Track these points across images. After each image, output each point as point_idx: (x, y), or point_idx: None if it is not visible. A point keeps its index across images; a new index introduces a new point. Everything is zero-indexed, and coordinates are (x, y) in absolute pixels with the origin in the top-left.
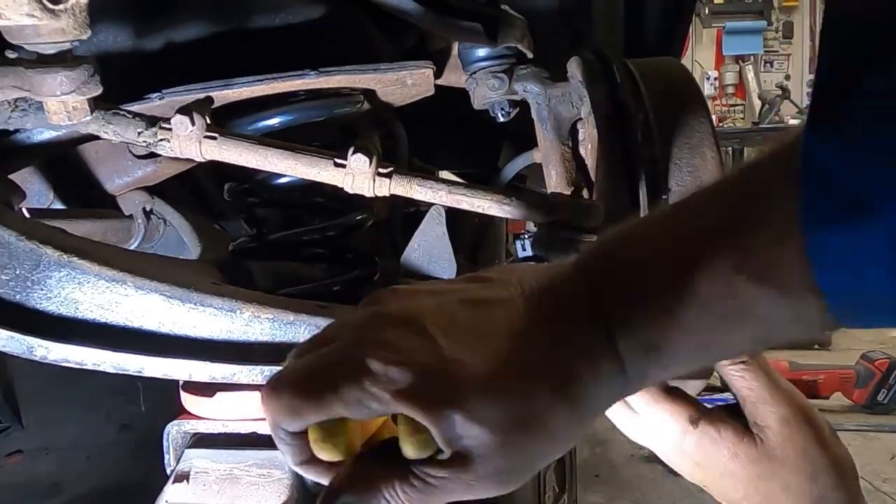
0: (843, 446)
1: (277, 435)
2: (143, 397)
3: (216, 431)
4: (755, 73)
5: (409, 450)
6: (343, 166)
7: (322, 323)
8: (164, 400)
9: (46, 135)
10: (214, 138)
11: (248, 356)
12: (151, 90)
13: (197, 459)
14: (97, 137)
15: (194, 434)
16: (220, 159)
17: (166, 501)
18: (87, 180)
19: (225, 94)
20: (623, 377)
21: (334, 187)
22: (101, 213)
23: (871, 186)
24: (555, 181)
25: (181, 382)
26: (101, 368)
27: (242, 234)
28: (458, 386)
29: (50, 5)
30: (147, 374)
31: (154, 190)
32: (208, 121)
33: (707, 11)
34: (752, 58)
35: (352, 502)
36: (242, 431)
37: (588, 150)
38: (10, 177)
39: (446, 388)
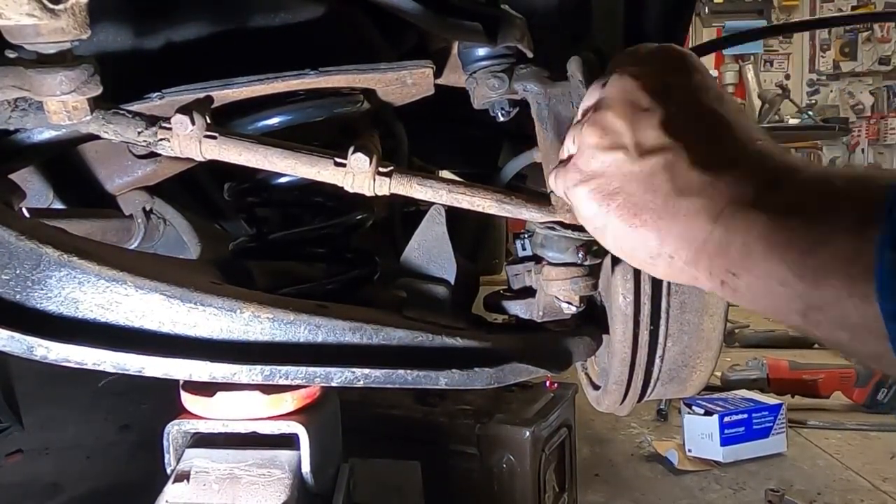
0: None
1: None
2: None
3: (216, 431)
4: (755, 73)
5: None
6: (343, 166)
7: (322, 323)
8: (165, 400)
9: (46, 135)
10: (214, 138)
11: (247, 356)
12: (151, 90)
13: (197, 459)
14: (97, 137)
15: (194, 434)
16: (220, 159)
17: (166, 501)
18: (87, 180)
19: (225, 94)
20: (713, 236)
21: (334, 187)
22: (101, 213)
23: None
24: None
25: (181, 382)
26: (101, 368)
27: (242, 234)
28: None
29: (50, 5)
30: (147, 373)
31: (154, 190)
32: (208, 120)
33: (707, 11)
34: (751, 57)
35: None
36: (242, 431)
37: None
38: (10, 177)
39: None
